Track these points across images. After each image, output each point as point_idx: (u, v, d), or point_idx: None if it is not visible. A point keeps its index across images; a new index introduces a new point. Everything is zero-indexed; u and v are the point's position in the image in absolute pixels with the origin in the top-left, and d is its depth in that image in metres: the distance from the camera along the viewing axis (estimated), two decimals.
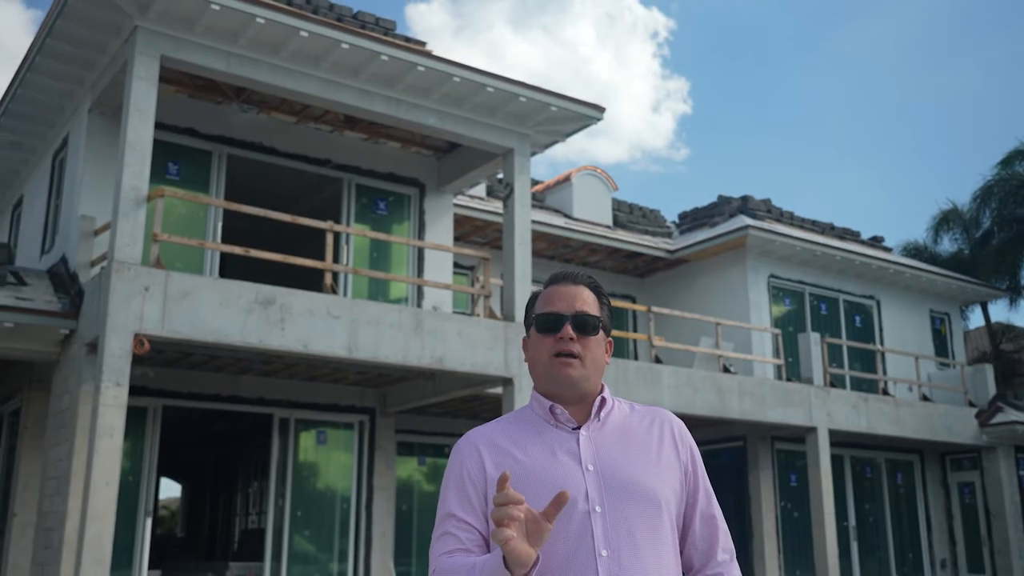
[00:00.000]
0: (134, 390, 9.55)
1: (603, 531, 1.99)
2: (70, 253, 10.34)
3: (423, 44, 11.87)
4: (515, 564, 1.77)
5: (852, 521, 16.86)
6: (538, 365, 2.16)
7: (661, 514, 2.04)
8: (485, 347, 10.52)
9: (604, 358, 2.19)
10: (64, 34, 9.69)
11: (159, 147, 10.36)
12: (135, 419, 10.43)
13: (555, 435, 2.11)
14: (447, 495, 2.11)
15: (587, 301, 2.18)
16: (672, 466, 2.11)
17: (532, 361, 2.19)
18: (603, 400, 2.15)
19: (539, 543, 1.79)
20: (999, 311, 49.46)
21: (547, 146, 12.02)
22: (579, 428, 2.11)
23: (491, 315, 11.16)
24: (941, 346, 19.34)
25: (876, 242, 20.54)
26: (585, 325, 2.14)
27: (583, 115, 11.47)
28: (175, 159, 11.10)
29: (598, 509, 2.00)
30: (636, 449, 2.10)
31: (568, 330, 2.12)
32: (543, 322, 2.16)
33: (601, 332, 2.18)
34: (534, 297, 2.25)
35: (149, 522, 10.65)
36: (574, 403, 2.14)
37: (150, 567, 11.04)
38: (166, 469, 20.44)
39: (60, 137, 11.55)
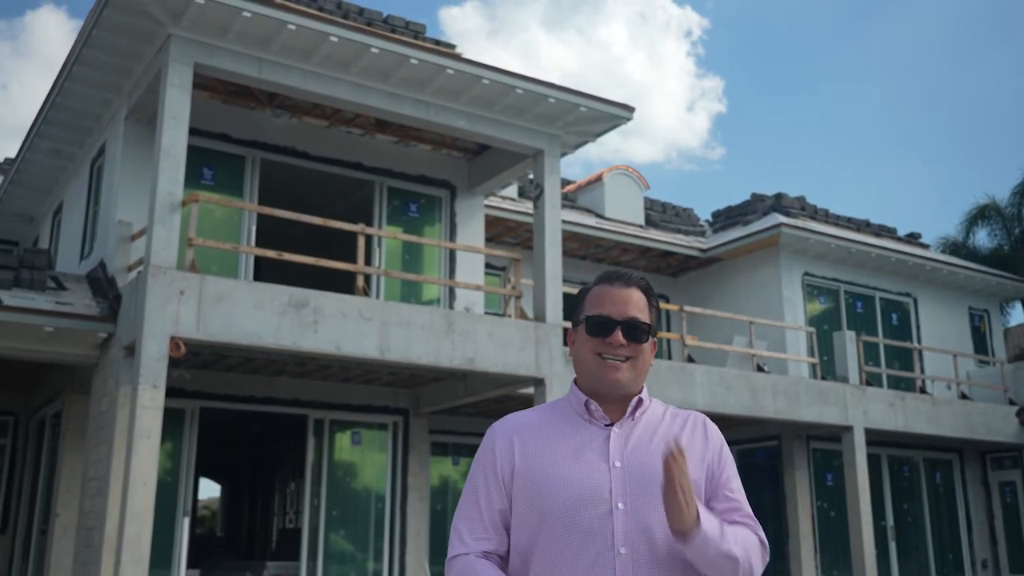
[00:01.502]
0: (172, 392, 9.71)
1: (623, 528, 2.02)
2: (108, 258, 10.53)
3: (453, 47, 11.94)
4: None
5: (890, 521, 16.68)
6: (585, 364, 2.19)
7: None
8: (516, 347, 10.56)
9: (649, 361, 2.21)
10: (100, 43, 9.87)
11: (193, 152, 10.52)
12: (173, 421, 10.60)
13: (587, 431, 2.14)
14: (475, 480, 2.17)
15: (638, 305, 2.19)
16: (696, 466, 2.12)
17: (578, 358, 2.21)
18: (640, 400, 2.18)
19: None
20: None
21: (577, 146, 12.04)
22: (611, 425, 2.15)
23: (522, 316, 11.21)
24: (980, 343, 19.08)
25: (913, 239, 20.30)
26: (636, 331, 2.16)
27: (613, 115, 11.48)
28: (209, 164, 11.27)
29: (620, 506, 2.03)
30: (663, 449, 2.10)
31: (619, 336, 2.14)
32: (594, 324, 2.17)
33: (649, 338, 2.20)
34: (583, 292, 2.27)
35: (187, 522, 10.81)
36: (613, 402, 2.17)
37: (189, 566, 11.21)
38: (206, 470, 20.72)
39: (98, 144, 11.76)
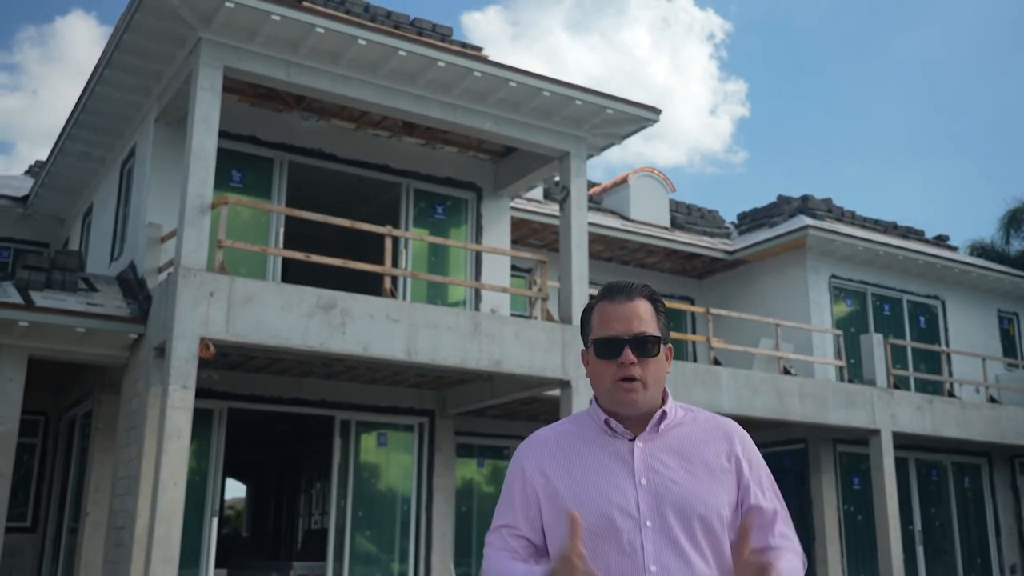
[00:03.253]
0: (200, 393, 9.78)
1: (653, 546, 1.99)
2: (138, 259, 10.63)
3: (479, 49, 11.97)
4: None
5: (918, 525, 16.54)
6: (600, 387, 2.14)
7: (714, 528, 2.03)
8: (542, 349, 10.57)
9: (666, 370, 2.16)
10: (131, 47, 9.98)
11: (222, 155, 10.60)
12: (201, 421, 10.68)
13: (611, 446, 2.11)
14: (504, 493, 2.19)
15: (644, 318, 2.13)
16: (727, 479, 2.09)
17: (594, 381, 2.17)
18: (663, 413, 2.14)
19: None
20: None
21: (603, 149, 12.04)
22: (635, 439, 2.11)
23: (548, 317, 11.21)
24: (1009, 346, 18.89)
25: (941, 241, 20.13)
26: (645, 346, 2.11)
27: (639, 117, 11.47)
28: (238, 167, 11.35)
29: (648, 524, 2.01)
30: (691, 462, 2.08)
31: (628, 355, 2.09)
32: (602, 347, 2.12)
33: (661, 348, 2.14)
34: (588, 311, 2.22)
35: (215, 522, 10.89)
36: (636, 419, 2.14)
37: (216, 566, 11.29)
38: (232, 470, 20.85)
39: (128, 147, 11.88)
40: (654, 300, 2.19)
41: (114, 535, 9.68)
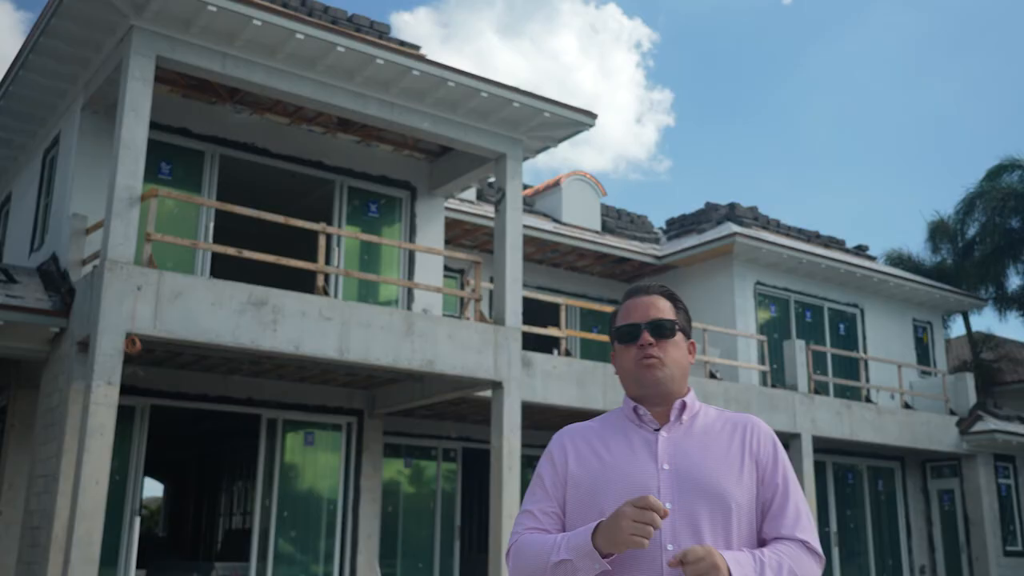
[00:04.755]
0: (122, 389, 9.53)
1: (671, 526, 2.09)
2: (61, 251, 10.32)
3: (417, 48, 11.92)
4: (618, 550, 1.97)
5: (834, 527, 17.00)
6: (626, 373, 2.29)
7: (730, 514, 2.12)
8: (475, 350, 10.57)
9: (687, 359, 2.32)
10: (59, 32, 9.68)
11: (151, 146, 10.35)
12: (123, 418, 10.39)
13: (637, 434, 2.24)
14: (536, 478, 2.30)
15: (661, 308, 2.32)
16: (747, 469, 2.18)
17: (620, 371, 2.31)
18: (684, 404, 2.26)
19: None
20: (981, 321, 49.86)
21: (539, 151, 12.09)
22: (660, 429, 2.23)
23: (481, 318, 11.22)
24: (923, 354, 19.53)
25: (860, 251, 20.72)
26: (662, 329, 2.28)
27: (575, 121, 11.54)
28: (167, 159, 11.10)
29: (668, 505, 2.10)
30: (713, 452, 2.19)
31: (646, 336, 2.26)
32: (623, 333, 2.31)
33: (680, 334, 2.31)
34: (614, 314, 2.39)
35: (137, 521, 10.64)
36: (660, 405, 2.27)
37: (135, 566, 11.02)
38: (149, 468, 20.35)
39: (51, 135, 11.52)
40: (672, 298, 2.38)
41: (29, 535, 9.38)
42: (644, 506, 1.94)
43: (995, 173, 24.15)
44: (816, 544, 2.16)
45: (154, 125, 10.52)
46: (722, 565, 1.97)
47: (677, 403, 2.25)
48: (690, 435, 2.22)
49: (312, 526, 12.16)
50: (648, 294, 2.35)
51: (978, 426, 17.56)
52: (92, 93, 10.26)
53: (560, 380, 12.05)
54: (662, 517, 1.95)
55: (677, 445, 2.20)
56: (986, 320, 48.81)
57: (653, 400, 2.26)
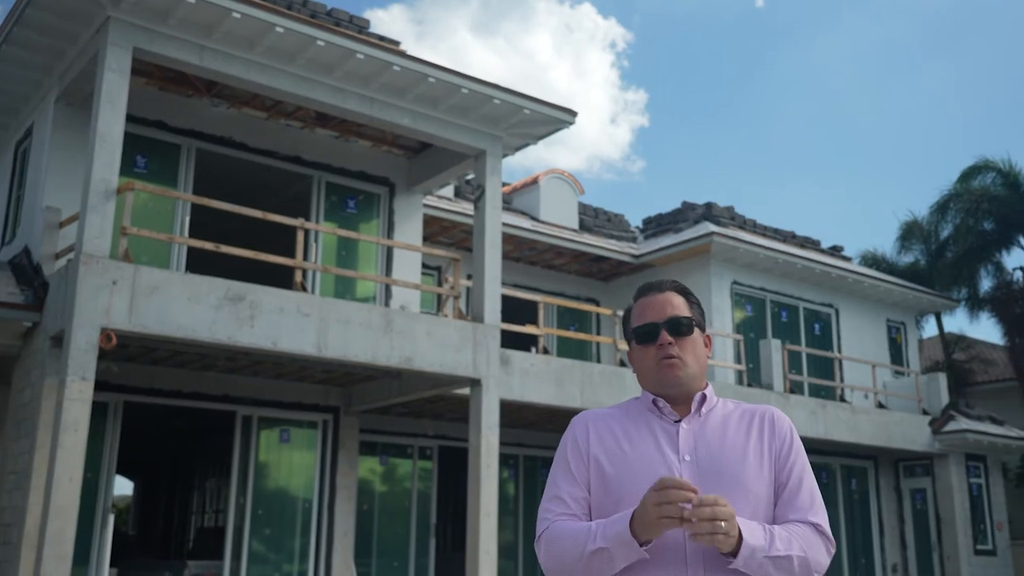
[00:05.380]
0: (95, 385, 9.40)
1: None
2: (33, 245, 10.16)
3: (397, 44, 11.85)
4: (653, 535, 1.97)
5: None
6: (646, 372, 2.29)
7: (748, 503, 2.12)
8: (454, 347, 10.52)
9: (704, 354, 2.32)
10: (33, 23, 9.53)
11: (127, 139, 10.19)
12: (96, 415, 10.24)
13: (658, 425, 2.24)
14: (559, 463, 2.27)
15: (677, 305, 2.31)
16: (766, 458, 2.20)
17: (640, 372, 2.31)
18: (704, 397, 2.27)
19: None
20: (953, 322, 50.44)
21: (518, 148, 12.06)
22: (680, 421, 2.23)
23: (460, 316, 11.17)
24: (897, 355, 19.69)
25: (836, 251, 20.85)
26: (680, 327, 2.28)
27: (555, 118, 11.52)
28: (143, 152, 10.96)
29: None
30: (733, 443, 2.21)
31: (665, 336, 2.26)
32: (641, 334, 2.31)
33: (696, 330, 2.31)
34: (627, 313, 2.39)
35: (110, 519, 10.51)
36: (680, 401, 2.25)
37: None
38: (118, 465, 20.12)
39: (24, 127, 11.35)
40: (685, 293, 2.38)
41: (1, 532, 9.23)
42: (660, 487, 1.96)
43: (969, 175, 24.38)
44: (827, 528, 2.17)
45: (130, 118, 10.37)
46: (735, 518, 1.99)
47: (697, 396, 2.27)
48: (710, 427, 2.24)
49: (287, 524, 12.06)
50: (662, 291, 2.34)
51: (950, 426, 17.73)
52: (67, 85, 10.12)
53: (538, 378, 12.03)
54: (687, 491, 1.94)
55: (698, 437, 2.21)
56: (958, 321, 49.40)
57: (674, 397, 2.27)
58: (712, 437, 2.21)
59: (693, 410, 2.25)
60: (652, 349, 2.27)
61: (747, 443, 2.21)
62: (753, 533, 2.02)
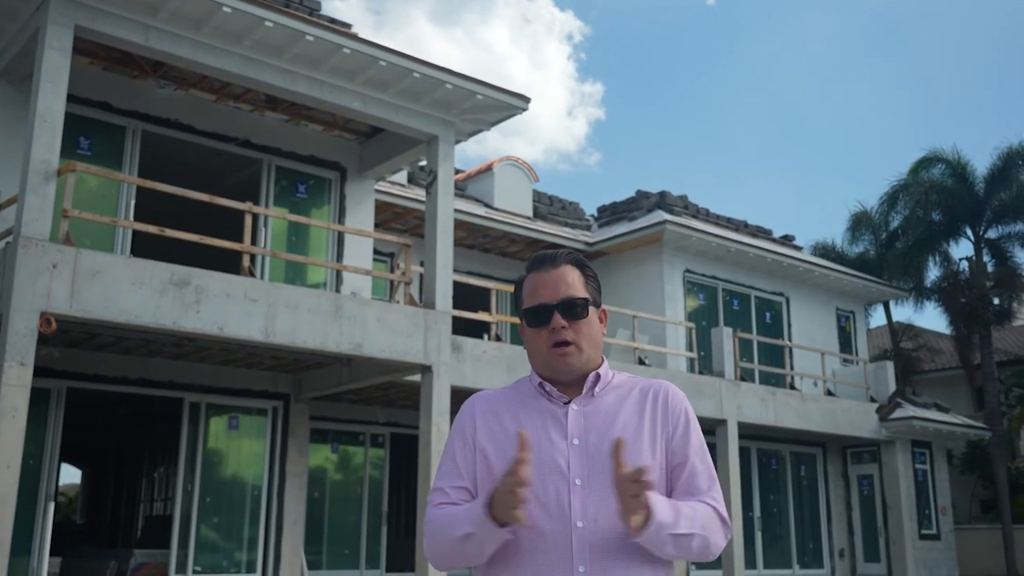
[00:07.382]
0: (37, 371, 9.17)
1: (581, 503, 2.03)
2: None
3: (348, 27, 11.70)
4: (508, 518, 1.89)
5: (757, 512, 17.29)
6: (538, 355, 2.18)
7: None
8: (405, 334, 10.45)
9: (600, 332, 2.20)
10: None
11: (70, 120, 9.95)
12: (37, 401, 10.03)
13: (547, 408, 2.15)
14: (446, 452, 2.20)
15: (571, 283, 2.17)
16: (656, 440, 2.12)
17: (530, 351, 2.20)
18: (597, 376, 2.17)
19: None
20: (901, 311, 51.24)
21: (471, 134, 11.98)
22: (570, 403, 2.14)
23: (411, 302, 11.10)
24: (846, 343, 19.97)
25: (787, 240, 21.06)
26: (574, 309, 2.14)
27: (508, 104, 11.45)
28: (87, 133, 10.72)
29: (578, 482, 2.04)
30: (624, 424, 2.11)
31: (558, 319, 2.13)
32: (532, 316, 2.17)
33: (591, 309, 2.18)
34: (518, 285, 2.25)
35: (51, 508, 10.30)
36: (572, 382, 2.17)
37: (50, 554, 10.68)
38: (67, 454, 19.80)
39: None
40: (581, 265, 2.22)
41: None
42: (513, 472, 1.89)
43: (920, 167, 24.73)
44: (725, 513, 2.12)
45: (73, 98, 10.13)
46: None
47: (591, 376, 2.16)
48: (603, 408, 2.14)
49: (236, 512, 11.93)
50: (556, 265, 2.18)
51: (897, 413, 18.03)
52: (6, 63, 9.86)
53: (490, 365, 11.99)
54: (525, 477, 1.88)
55: (588, 419, 2.12)
56: (905, 311, 50.25)
57: (565, 381, 2.16)
58: (603, 418, 2.12)
59: (585, 391, 2.15)
60: (544, 332, 2.14)
61: (640, 424, 2.12)
62: (663, 509, 1.96)
